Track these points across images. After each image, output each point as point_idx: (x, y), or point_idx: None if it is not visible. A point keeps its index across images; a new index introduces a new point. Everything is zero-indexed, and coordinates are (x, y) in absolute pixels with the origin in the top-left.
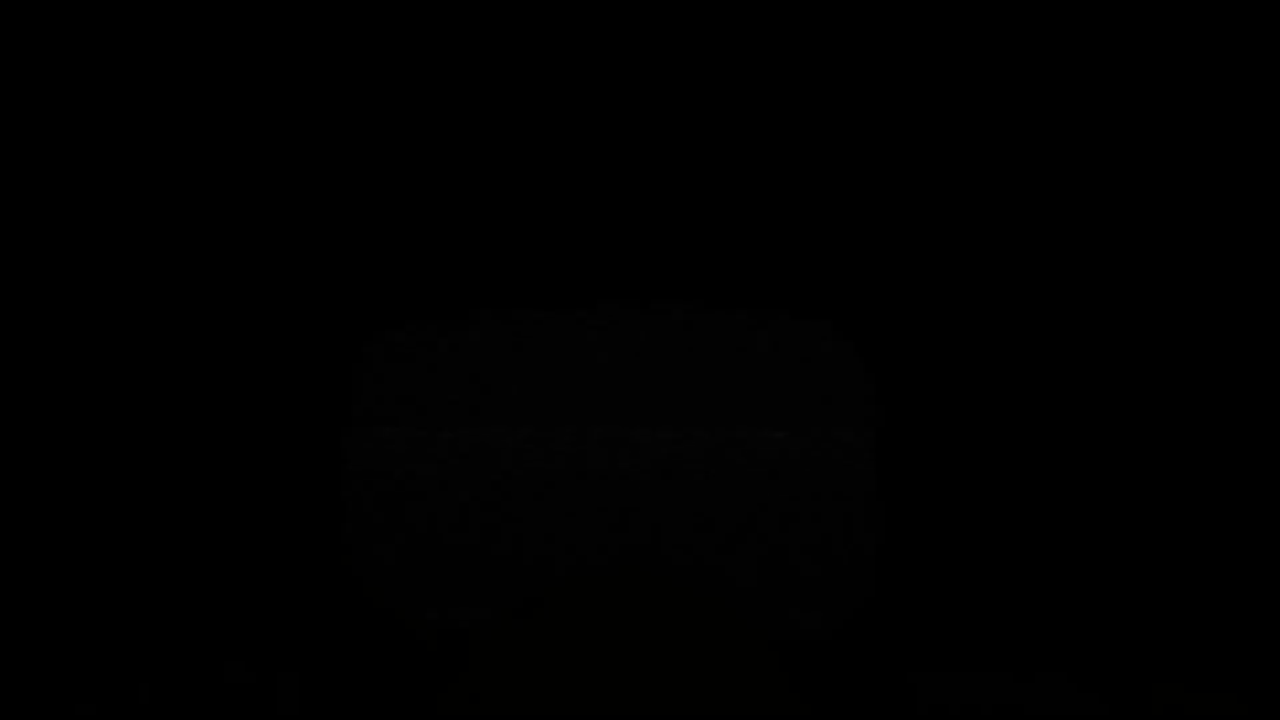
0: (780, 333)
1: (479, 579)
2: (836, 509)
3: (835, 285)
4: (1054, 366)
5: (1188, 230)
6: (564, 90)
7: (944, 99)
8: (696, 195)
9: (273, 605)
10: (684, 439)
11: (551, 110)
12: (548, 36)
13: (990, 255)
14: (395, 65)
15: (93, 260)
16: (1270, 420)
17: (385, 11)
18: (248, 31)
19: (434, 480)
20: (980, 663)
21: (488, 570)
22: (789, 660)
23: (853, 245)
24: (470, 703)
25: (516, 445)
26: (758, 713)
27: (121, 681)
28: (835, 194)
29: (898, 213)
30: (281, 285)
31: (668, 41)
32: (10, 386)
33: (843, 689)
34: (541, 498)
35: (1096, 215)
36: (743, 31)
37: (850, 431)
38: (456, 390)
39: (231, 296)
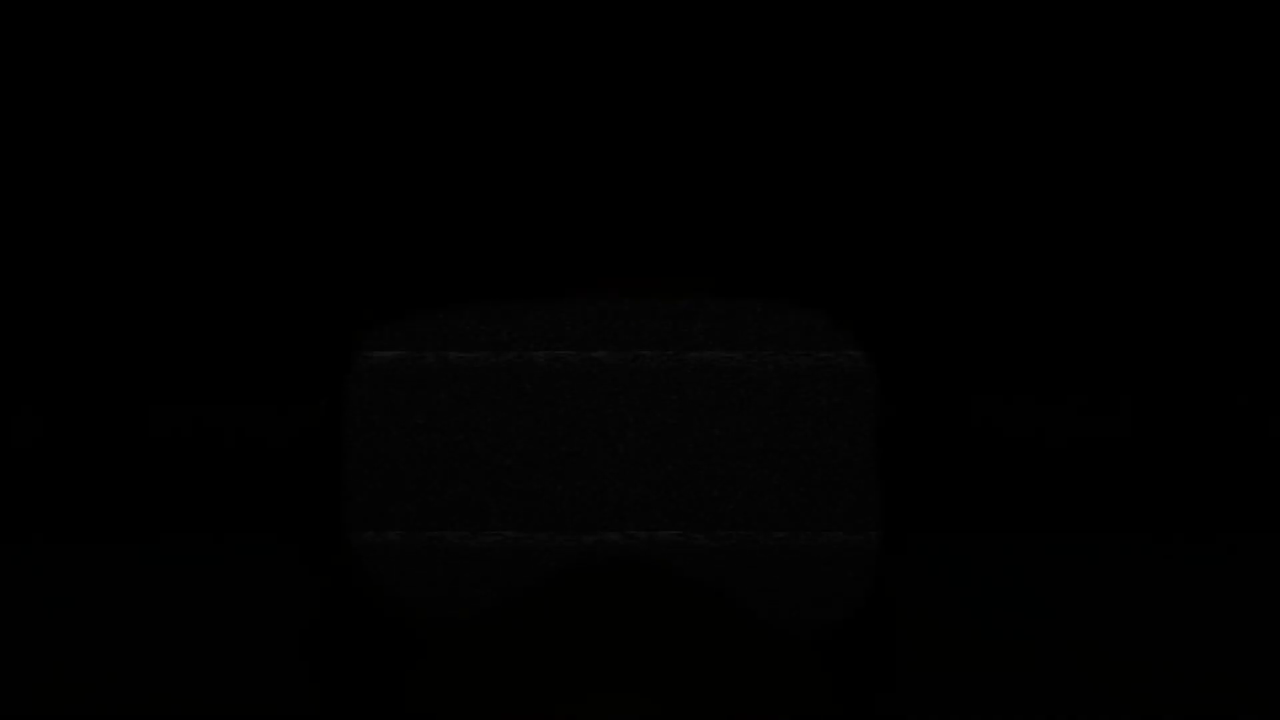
0: (777, 318)
1: (478, 507)
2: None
3: (830, 276)
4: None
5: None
6: (556, 85)
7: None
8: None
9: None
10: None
11: (541, 103)
12: (540, 32)
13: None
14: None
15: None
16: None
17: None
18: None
19: (434, 406)
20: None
21: (489, 499)
22: (806, 655)
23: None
24: (461, 695)
25: (523, 372)
26: (776, 709)
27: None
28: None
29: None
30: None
31: (660, 37)
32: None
33: (848, 685)
34: (549, 427)
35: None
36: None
37: (850, 419)
38: (459, 329)
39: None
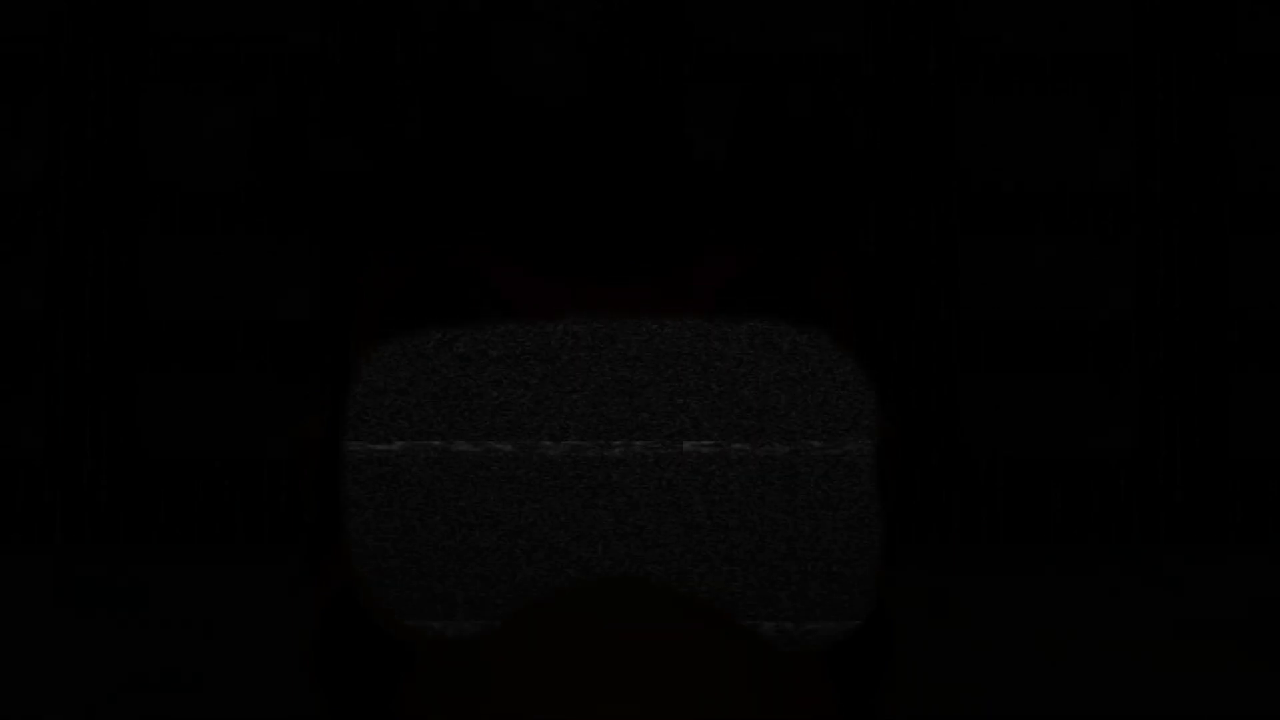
0: (778, 344)
1: (475, 589)
2: (837, 523)
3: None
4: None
5: None
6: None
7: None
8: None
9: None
10: (681, 453)
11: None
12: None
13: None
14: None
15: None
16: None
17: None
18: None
19: (431, 492)
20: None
21: (484, 580)
22: (808, 666)
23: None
24: (455, 705)
25: (514, 459)
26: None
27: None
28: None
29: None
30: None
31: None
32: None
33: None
34: (540, 511)
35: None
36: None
37: (852, 447)
38: (451, 403)
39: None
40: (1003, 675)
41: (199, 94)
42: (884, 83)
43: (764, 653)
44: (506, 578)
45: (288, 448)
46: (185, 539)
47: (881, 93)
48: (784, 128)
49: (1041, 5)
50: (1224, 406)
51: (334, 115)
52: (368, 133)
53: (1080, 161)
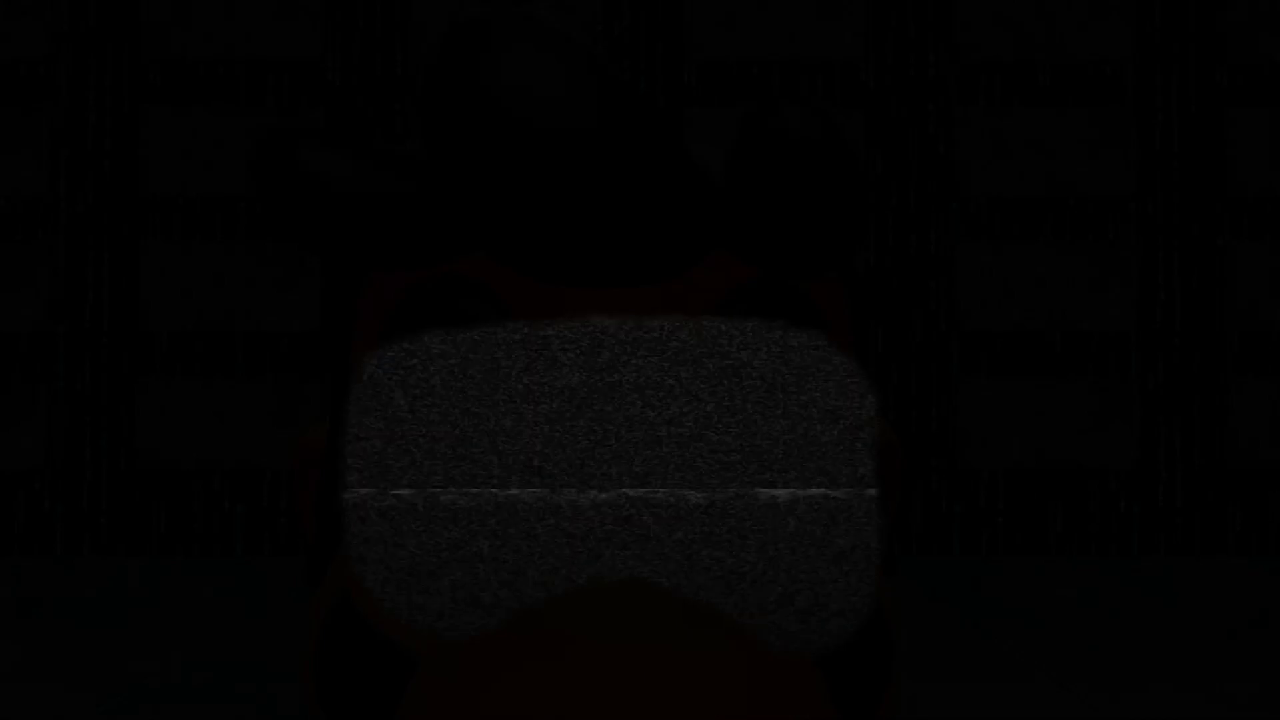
0: (778, 353)
1: (477, 609)
2: (836, 559)
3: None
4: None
5: None
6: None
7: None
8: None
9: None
10: (683, 500)
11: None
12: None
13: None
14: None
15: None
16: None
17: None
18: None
19: (433, 536)
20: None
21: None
22: (806, 671)
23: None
24: (457, 706)
25: (516, 504)
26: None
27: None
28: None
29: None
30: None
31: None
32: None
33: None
34: (538, 554)
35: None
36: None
37: (854, 490)
38: (449, 445)
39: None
40: (1003, 675)
41: (200, 104)
42: (884, 92)
43: (763, 656)
44: (510, 604)
45: (290, 457)
46: (185, 549)
47: (881, 102)
48: (781, 151)
49: (1042, 16)
50: (1222, 417)
51: (334, 127)
52: (368, 144)
53: (1080, 170)
